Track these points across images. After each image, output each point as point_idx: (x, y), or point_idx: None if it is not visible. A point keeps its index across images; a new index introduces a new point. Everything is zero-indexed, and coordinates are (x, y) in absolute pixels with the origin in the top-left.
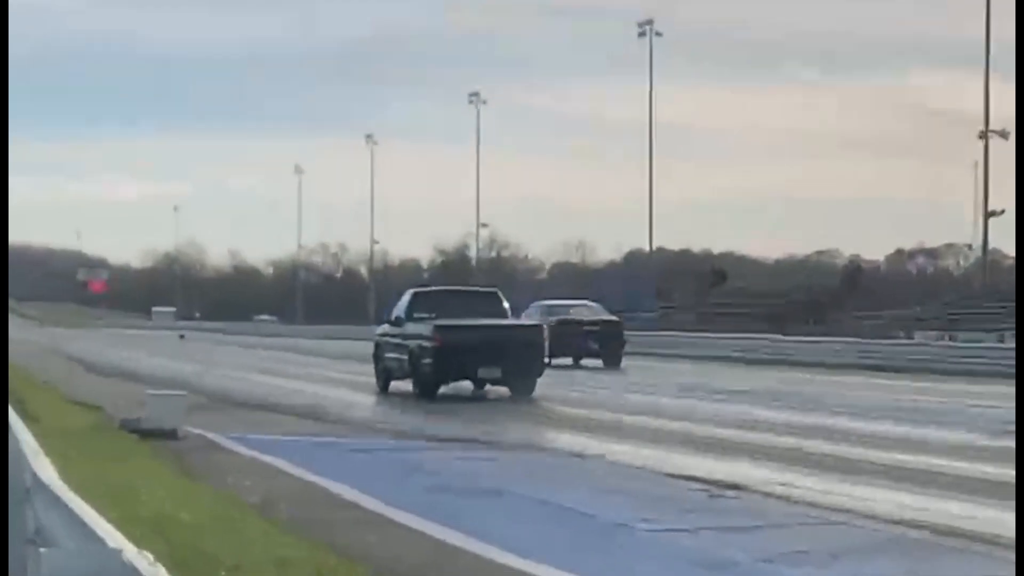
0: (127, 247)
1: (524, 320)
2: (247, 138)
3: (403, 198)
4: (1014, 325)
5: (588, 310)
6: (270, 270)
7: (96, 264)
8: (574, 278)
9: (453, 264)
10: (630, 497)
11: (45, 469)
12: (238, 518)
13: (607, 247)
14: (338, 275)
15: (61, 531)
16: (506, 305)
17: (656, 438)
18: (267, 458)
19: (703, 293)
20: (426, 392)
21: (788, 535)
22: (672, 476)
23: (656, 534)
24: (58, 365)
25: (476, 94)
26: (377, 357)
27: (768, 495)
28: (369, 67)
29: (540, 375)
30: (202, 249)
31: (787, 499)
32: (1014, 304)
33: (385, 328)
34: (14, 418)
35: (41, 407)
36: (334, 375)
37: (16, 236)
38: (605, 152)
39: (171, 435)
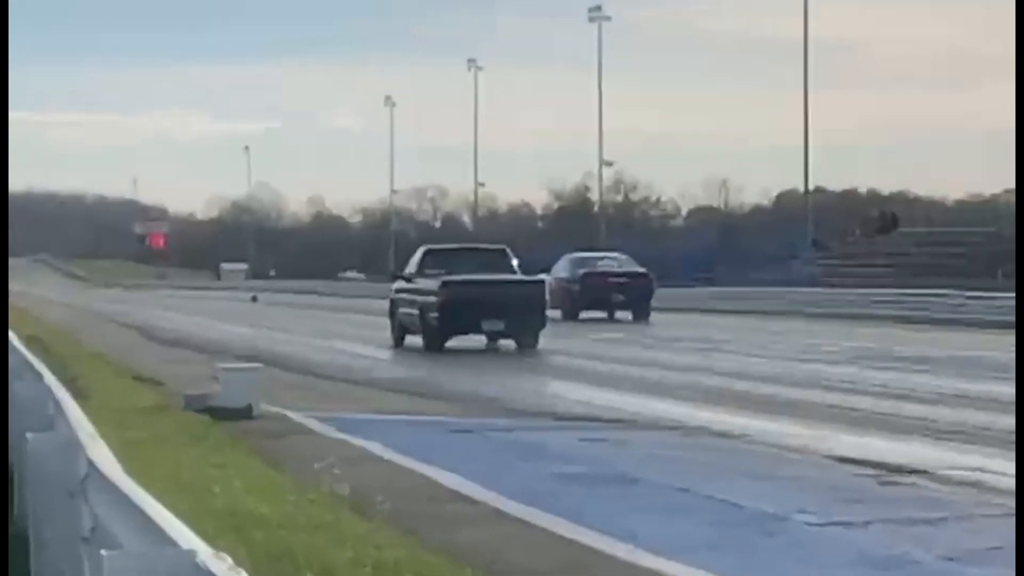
0: (191, 194)
1: (519, 273)
2: (329, 67)
3: (512, 133)
4: None
5: (616, 262)
6: (357, 219)
7: (155, 215)
8: (714, 224)
9: (572, 209)
10: (784, 484)
11: (102, 456)
12: (327, 513)
13: (754, 188)
14: (437, 224)
15: (122, 529)
16: (514, 262)
17: (803, 413)
18: (358, 440)
19: (870, 241)
20: (433, 345)
21: (977, 529)
22: (831, 458)
23: (818, 528)
24: (112, 333)
25: (598, 8)
26: (392, 312)
27: (951, 481)
28: None
29: (542, 328)
30: (278, 196)
31: (975, 485)
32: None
33: (399, 284)
34: (65, 397)
35: (94, 383)
36: None
37: (64, 183)
38: (752, 76)
39: (245, 414)
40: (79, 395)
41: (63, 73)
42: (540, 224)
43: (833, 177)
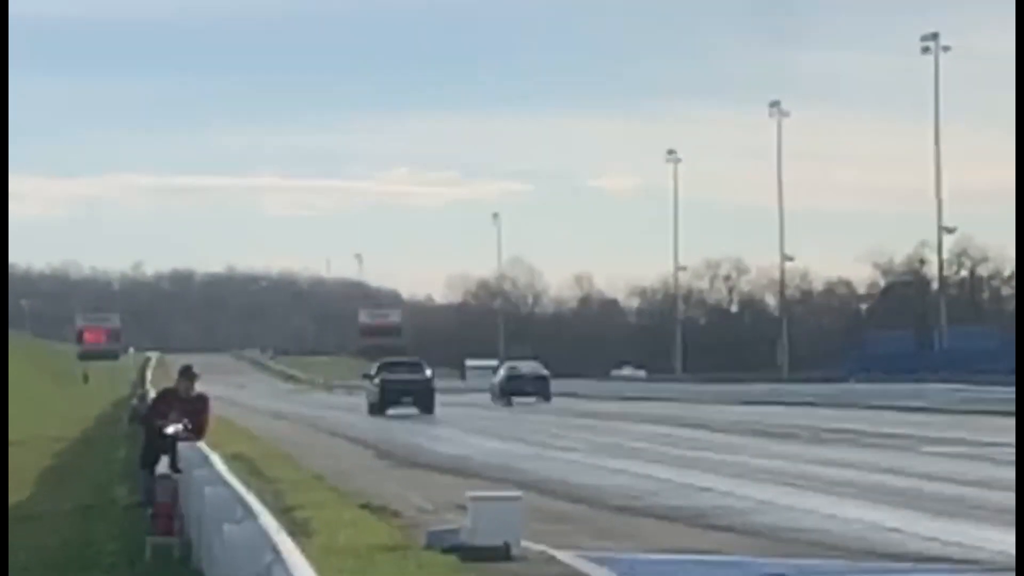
0: (428, 274)
1: (424, 374)
2: (595, 116)
3: (826, 193)
4: None
5: (530, 367)
6: (634, 302)
7: (384, 300)
8: None
9: (902, 288)
10: None
11: None
12: None
13: None
14: (732, 307)
15: None
16: (426, 369)
17: None
18: None
19: None
20: (380, 411)
21: None
22: None
23: None
24: (334, 449)
25: (934, 37)
26: (366, 395)
27: None
28: (773, 11)
29: (433, 401)
30: (535, 274)
31: None
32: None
33: (367, 381)
34: (284, 541)
35: (316, 515)
36: (736, 459)
37: (274, 262)
38: None
39: (502, 555)
40: (300, 532)
41: (272, 131)
42: (863, 306)
43: None
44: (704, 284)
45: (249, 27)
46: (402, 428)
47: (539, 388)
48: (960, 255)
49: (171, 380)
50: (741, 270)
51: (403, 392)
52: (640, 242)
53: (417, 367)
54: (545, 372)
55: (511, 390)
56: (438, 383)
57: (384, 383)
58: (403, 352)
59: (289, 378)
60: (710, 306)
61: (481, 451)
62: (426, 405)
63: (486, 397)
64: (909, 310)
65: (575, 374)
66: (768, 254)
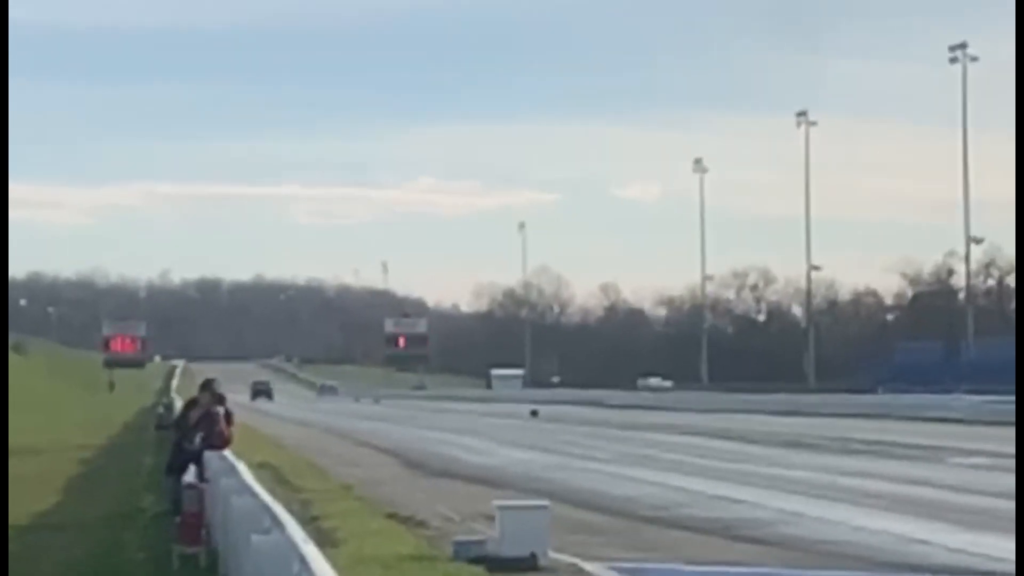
0: (454, 283)
1: (268, 386)
2: (623, 125)
3: (853, 203)
4: None
5: (332, 382)
6: (661, 312)
7: (411, 309)
8: None
9: (930, 298)
10: None
11: None
12: None
13: None
14: (760, 317)
15: None
16: (270, 383)
17: None
18: None
19: None
20: (253, 400)
21: None
22: None
23: None
24: (362, 459)
25: (962, 46)
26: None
27: None
28: (801, 19)
29: (272, 396)
30: (562, 283)
31: None
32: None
33: (249, 387)
34: (312, 552)
35: (343, 525)
36: (765, 471)
37: (300, 270)
38: None
39: (529, 565)
40: (327, 542)
41: (299, 140)
42: (890, 316)
43: None
44: (731, 294)
45: (277, 37)
46: (433, 438)
47: (333, 392)
48: (988, 265)
49: (196, 389)
50: (768, 280)
51: (260, 392)
52: (667, 252)
53: (267, 384)
54: (335, 384)
55: (322, 393)
56: (466, 392)
57: (254, 389)
58: (427, 361)
59: (314, 387)
60: (737, 316)
61: (511, 462)
62: (270, 397)
63: (515, 407)
64: (937, 320)
65: (601, 384)
66: (795, 264)
